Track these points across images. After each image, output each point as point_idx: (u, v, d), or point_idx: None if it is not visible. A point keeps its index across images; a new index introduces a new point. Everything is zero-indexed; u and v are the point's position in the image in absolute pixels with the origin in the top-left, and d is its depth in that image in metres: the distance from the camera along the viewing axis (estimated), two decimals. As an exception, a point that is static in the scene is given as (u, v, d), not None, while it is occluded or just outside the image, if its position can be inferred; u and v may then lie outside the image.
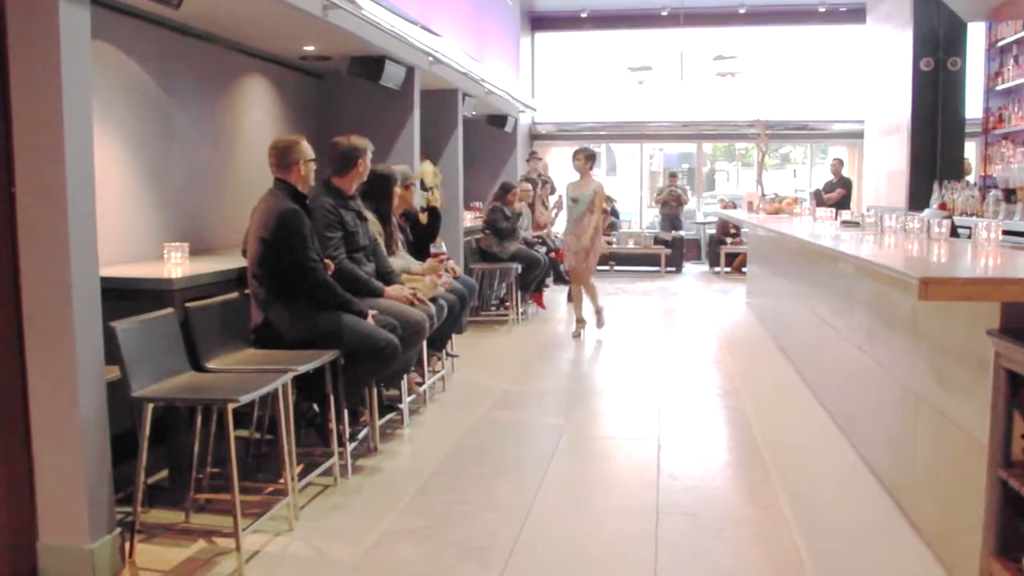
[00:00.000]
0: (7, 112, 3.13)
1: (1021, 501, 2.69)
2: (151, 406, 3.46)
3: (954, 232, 5.25)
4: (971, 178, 10.30)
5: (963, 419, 3.15)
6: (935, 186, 9.19)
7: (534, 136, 15.83)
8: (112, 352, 3.44)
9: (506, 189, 9.68)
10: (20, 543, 3.23)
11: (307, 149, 4.46)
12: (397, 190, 5.79)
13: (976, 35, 9.91)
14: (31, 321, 3.22)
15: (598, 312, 8.71)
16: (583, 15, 15.49)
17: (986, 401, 2.86)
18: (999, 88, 9.17)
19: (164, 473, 4.21)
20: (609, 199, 15.77)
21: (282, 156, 4.39)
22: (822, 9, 14.78)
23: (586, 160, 8.32)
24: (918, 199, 9.95)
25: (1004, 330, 2.76)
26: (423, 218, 6.51)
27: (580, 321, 8.63)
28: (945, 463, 3.38)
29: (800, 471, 4.55)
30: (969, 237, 4.53)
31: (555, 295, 11.30)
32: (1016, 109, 8.84)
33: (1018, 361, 2.65)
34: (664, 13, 14.69)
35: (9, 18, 3.10)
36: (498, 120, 12.31)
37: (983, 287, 2.72)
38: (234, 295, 4.42)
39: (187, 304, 4.05)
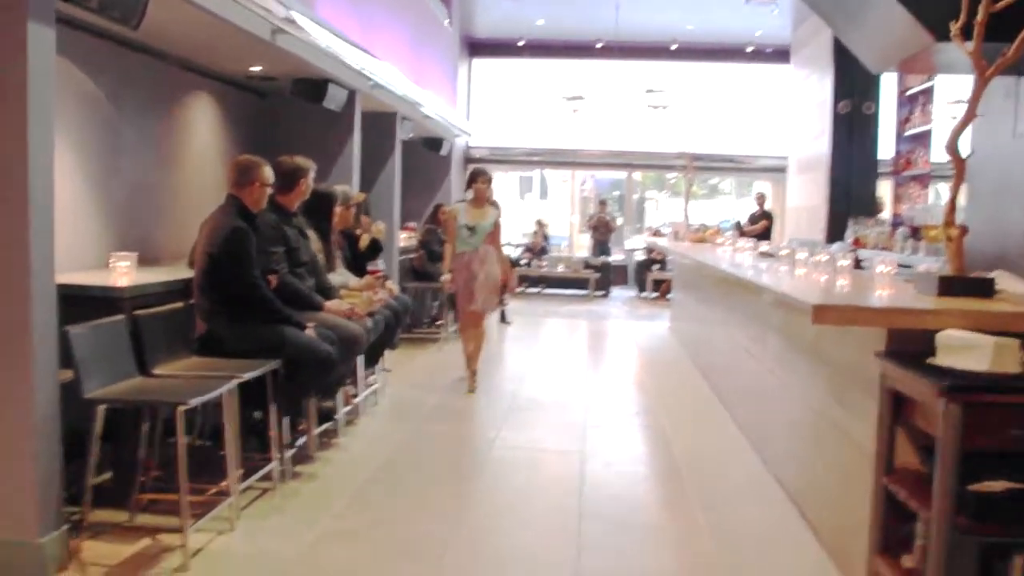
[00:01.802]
0: (-25, 124, 3.29)
1: (901, 505, 3.02)
2: (103, 407, 3.62)
3: (858, 265, 5.65)
4: (885, 215, 10.89)
5: (855, 433, 3.49)
6: (850, 221, 9.72)
7: (468, 160, 16.11)
8: (65, 355, 3.59)
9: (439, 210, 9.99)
10: (-29, 537, 3.36)
11: (268, 174, 4.67)
12: (337, 209, 6.00)
13: (889, 82, 10.51)
14: (-10, 324, 3.36)
15: (475, 370, 7.26)
16: (520, 43, 15.89)
17: (874, 416, 3.20)
18: (908, 133, 9.75)
19: (108, 475, 4.34)
20: (541, 224, 16.16)
21: (243, 173, 4.58)
22: (749, 49, 15.42)
23: (489, 184, 7.34)
24: (835, 233, 10.49)
25: (889, 353, 3.11)
26: (364, 241, 6.72)
27: (474, 372, 7.26)
28: (839, 473, 3.73)
29: (713, 482, 4.87)
30: (872, 270, 4.92)
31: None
32: (922, 153, 9.43)
33: (900, 380, 2.99)
34: (599, 45, 15.15)
35: (-20, 35, 3.26)
36: (434, 143, 12.58)
37: (867, 314, 3.08)
38: (180, 305, 4.58)
39: (135, 312, 4.21)
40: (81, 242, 5.16)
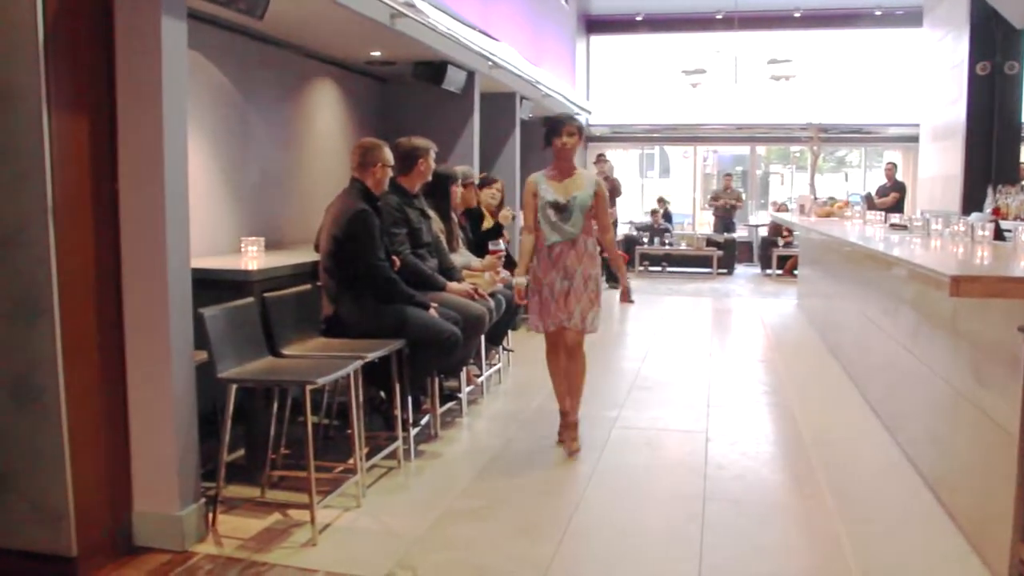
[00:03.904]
0: (113, 116, 3.43)
1: (1049, 490, 2.85)
2: (235, 387, 3.76)
3: (999, 235, 5.36)
4: (1028, 182, 10.29)
5: (997, 413, 3.31)
6: (989, 190, 9.23)
7: (589, 139, 15.99)
8: (199, 337, 3.74)
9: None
10: (118, 510, 3.54)
11: (388, 155, 4.77)
12: (457, 189, 6.05)
13: (1033, 40, 9.92)
14: (130, 308, 3.51)
15: (575, 424, 5.02)
16: (638, 18, 15.67)
17: (1018, 395, 3.03)
18: (1056, 93, 9.19)
19: (240, 453, 4.52)
20: (663, 201, 15.91)
21: (364, 155, 4.68)
22: (878, 12, 14.78)
23: (578, 136, 4.92)
24: (972, 203, 9.99)
25: (1035, 327, 2.93)
26: (488, 222, 6.76)
27: (567, 415, 5.05)
28: (980, 456, 3.55)
29: (844, 464, 4.71)
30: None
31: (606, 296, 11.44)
32: (1072, 114, 8.85)
33: (1047, 356, 2.82)
34: (719, 16, 14.81)
35: (117, 30, 3.40)
36: (554, 123, 12.52)
37: (1010, 284, 2.90)
38: (307, 287, 4.71)
39: (264, 294, 4.35)
40: (213, 227, 5.36)
